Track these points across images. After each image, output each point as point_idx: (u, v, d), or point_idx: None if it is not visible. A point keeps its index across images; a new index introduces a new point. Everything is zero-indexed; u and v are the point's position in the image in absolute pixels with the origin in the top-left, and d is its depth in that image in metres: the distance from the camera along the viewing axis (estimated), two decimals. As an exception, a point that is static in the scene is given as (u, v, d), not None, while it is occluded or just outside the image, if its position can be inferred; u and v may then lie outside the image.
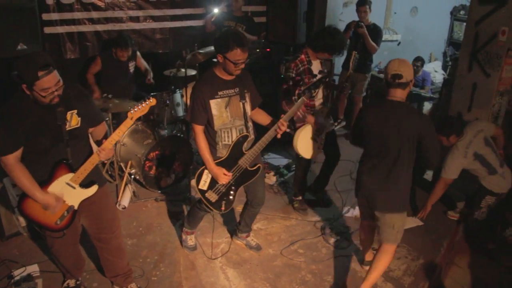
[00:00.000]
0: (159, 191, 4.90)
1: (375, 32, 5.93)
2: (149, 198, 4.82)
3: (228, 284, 3.66)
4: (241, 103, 3.35)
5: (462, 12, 8.10)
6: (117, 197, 4.64)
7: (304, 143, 4.13)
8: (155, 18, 6.09)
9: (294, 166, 5.22)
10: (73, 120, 2.80)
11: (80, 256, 3.47)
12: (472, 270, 3.95)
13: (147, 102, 2.89)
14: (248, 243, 4.07)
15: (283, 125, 3.26)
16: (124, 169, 4.77)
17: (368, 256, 3.83)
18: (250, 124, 3.44)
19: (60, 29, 5.52)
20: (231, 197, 3.50)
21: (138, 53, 5.69)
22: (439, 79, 7.52)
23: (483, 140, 4.03)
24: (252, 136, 3.45)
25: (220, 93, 3.26)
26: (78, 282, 3.49)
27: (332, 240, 4.22)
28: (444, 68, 8.19)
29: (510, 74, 4.31)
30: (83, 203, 2.95)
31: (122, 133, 2.84)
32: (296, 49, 6.28)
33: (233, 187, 3.47)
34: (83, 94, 2.93)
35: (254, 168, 3.49)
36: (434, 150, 3.05)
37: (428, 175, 5.49)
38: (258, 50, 5.68)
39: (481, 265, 4.02)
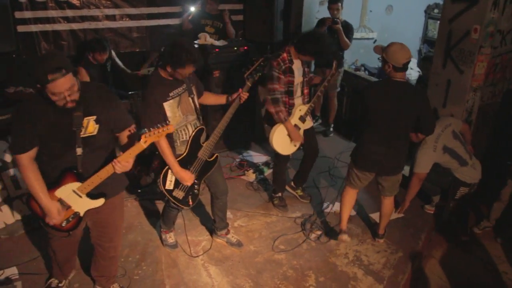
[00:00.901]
0: (139, 190, 4.87)
1: (347, 29, 6.04)
2: (129, 197, 4.78)
3: (211, 281, 3.67)
4: (190, 98, 3.42)
5: (436, 11, 8.24)
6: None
7: (280, 140, 4.18)
8: (131, 17, 6.03)
9: (273, 163, 5.25)
10: (90, 127, 2.68)
11: (74, 257, 3.42)
12: (448, 261, 4.06)
13: (164, 129, 2.65)
14: (229, 240, 4.08)
15: (243, 97, 3.47)
16: (103, 169, 4.71)
17: (344, 225, 4.13)
18: (200, 116, 3.55)
19: (34, 28, 5.40)
20: (195, 190, 3.58)
21: (113, 52, 5.62)
22: (415, 76, 7.64)
23: (451, 134, 4.14)
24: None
25: (171, 94, 3.28)
26: (60, 284, 3.44)
27: (312, 236, 4.26)
28: (420, 65, 8.32)
29: (483, 70, 4.42)
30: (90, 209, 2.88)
31: (134, 154, 2.67)
32: (273, 47, 6.32)
33: (196, 181, 3.54)
34: (108, 98, 2.77)
35: (213, 158, 3.59)
36: (432, 121, 3.71)
37: (405, 170, 5.59)
38: (235, 49, 5.68)
39: (456, 256, 4.14)
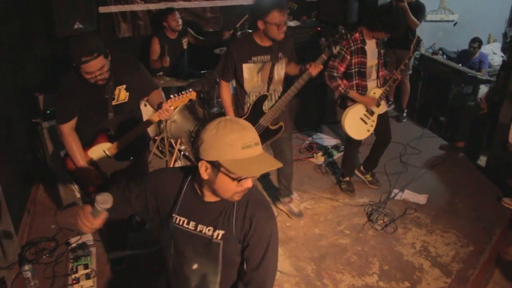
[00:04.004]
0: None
1: (418, 8, 5.76)
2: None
3: (274, 261, 3.70)
4: (273, 68, 3.45)
5: (526, -10, 7.69)
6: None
7: (352, 123, 4.10)
8: (206, -3, 6.12)
9: (343, 146, 5.18)
10: (121, 95, 3.01)
11: None
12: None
13: (187, 94, 2.93)
14: (290, 209, 4.19)
15: (314, 69, 3.33)
16: (174, 146, 4.87)
17: None
18: (279, 88, 3.58)
19: (113, 8, 5.65)
20: None
21: (189, 30, 5.72)
22: (498, 62, 7.19)
23: None
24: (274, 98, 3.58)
25: (253, 58, 3.36)
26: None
27: (379, 223, 4.17)
28: (504, 50, 7.82)
29: None
30: None
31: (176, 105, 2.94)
32: (347, 29, 6.17)
33: None
34: (133, 66, 3.06)
35: (276, 126, 3.60)
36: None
37: (482, 161, 5.34)
38: (310, 33, 5.64)
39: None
